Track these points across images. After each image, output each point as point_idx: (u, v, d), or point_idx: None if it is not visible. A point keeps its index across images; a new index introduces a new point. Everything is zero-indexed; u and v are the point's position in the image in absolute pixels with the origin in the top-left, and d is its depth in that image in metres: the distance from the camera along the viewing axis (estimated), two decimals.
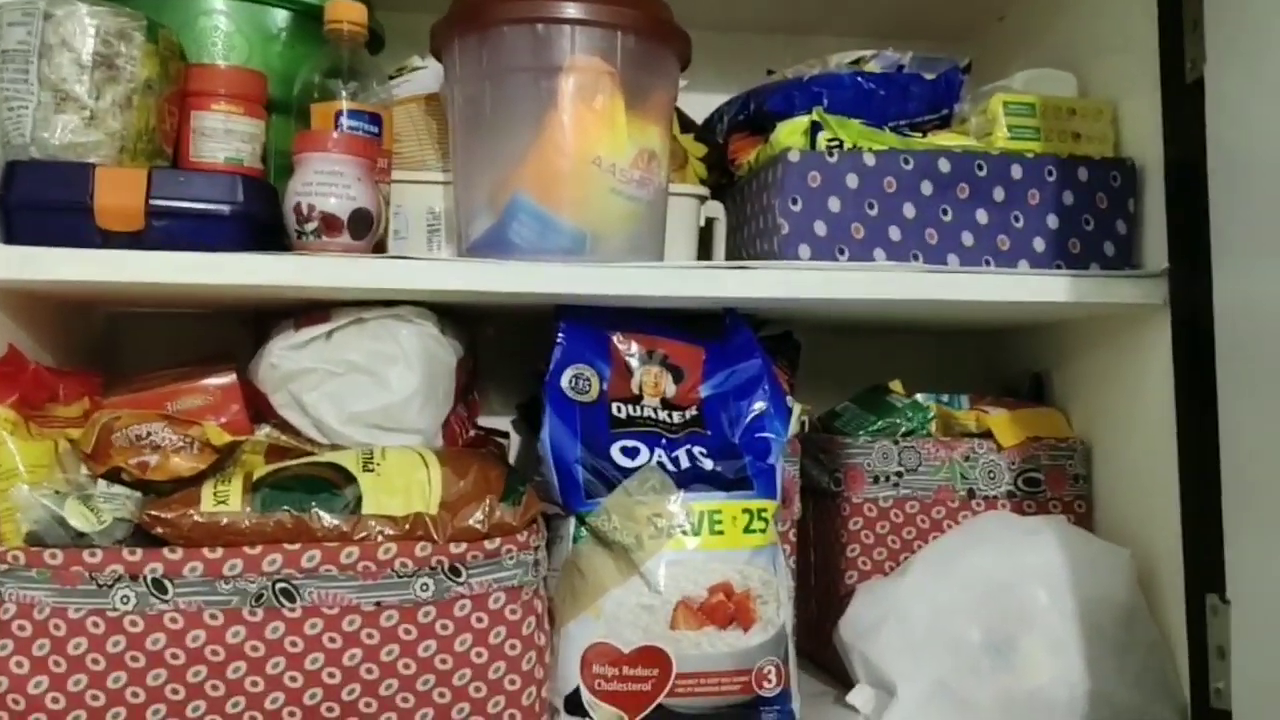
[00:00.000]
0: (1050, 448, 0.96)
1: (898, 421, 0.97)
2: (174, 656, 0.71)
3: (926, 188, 0.87)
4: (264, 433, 0.83)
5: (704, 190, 1.00)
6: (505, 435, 1.07)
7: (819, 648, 0.95)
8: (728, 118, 1.03)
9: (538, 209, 0.83)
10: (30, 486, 0.73)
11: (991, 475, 0.95)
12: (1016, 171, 0.88)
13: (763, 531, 0.82)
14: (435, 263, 0.80)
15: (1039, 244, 0.88)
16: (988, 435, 0.96)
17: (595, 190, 0.83)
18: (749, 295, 0.83)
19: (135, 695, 0.71)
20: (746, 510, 0.82)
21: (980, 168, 0.88)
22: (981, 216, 0.88)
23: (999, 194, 0.87)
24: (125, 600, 0.70)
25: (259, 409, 0.88)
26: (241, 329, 1.05)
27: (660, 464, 0.82)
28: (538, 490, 0.83)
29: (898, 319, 1.06)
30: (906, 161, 0.87)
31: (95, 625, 0.70)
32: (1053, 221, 0.88)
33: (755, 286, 0.83)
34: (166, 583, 0.70)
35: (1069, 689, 0.81)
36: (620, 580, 0.79)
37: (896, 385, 1.03)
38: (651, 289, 0.81)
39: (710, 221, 1.03)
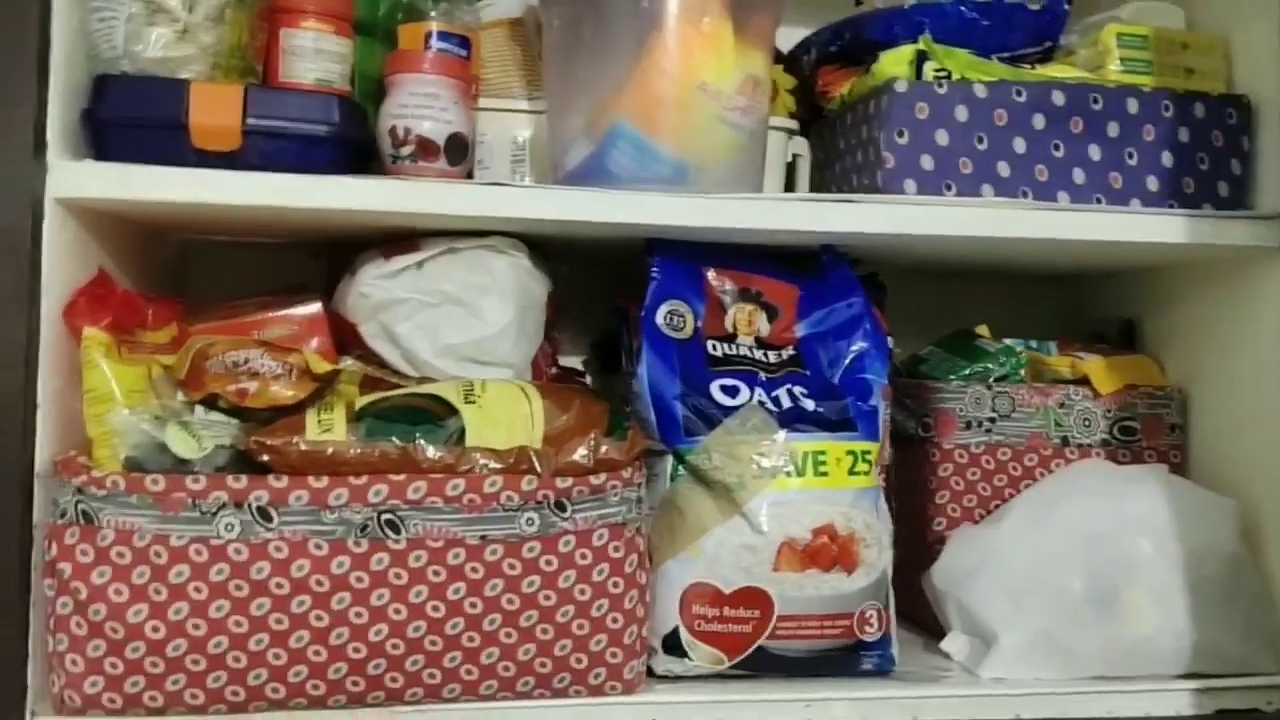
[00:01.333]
0: (1147, 396, 0.94)
1: (990, 366, 0.95)
2: (278, 586, 0.69)
3: (1039, 122, 0.84)
4: (353, 365, 0.81)
5: (792, 123, 0.97)
6: (582, 374, 1.05)
7: (903, 598, 0.94)
8: (816, 49, 1.00)
9: (638, 137, 0.80)
10: (129, 411, 0.72)
11: (1086, 423, 0.93)
12: (1132, 106, 0.85)
13: (866, 474, 0.80)
14: (535, 190, 0.78)
15: (1152, 182, 0.85)
16: (1082, 382, 0.94)
17: (700, 117, 0.80)
18: (855, 230, 0.80)
19: (238, 625, 0.69)
20: (851, 451, 0.80)
21: (1095, 101, 0.85)
22: (1094, 153, 0.85)
23: (1113, 129, 0.85)
24: (230, 528, 0.69)
25: (343, 340, 0.86)
26: (312, 261, 1.03)
27: (760, 403, 0.80)
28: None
29: (992, 262, 1.03)
30: (1019, 94, 0.84)
31: (198, 553, 0.69)
32: (1167, 159, 0.85)
33: (862, 221, 0.80)
34: (271, 511, 0.69)
35: (1174, 639, 0.80)
36: (721, 520, 0.78)
37: (984, 330, 1.01)
38: (754, 221, 0.79)
39: (795, 159, 1.01)
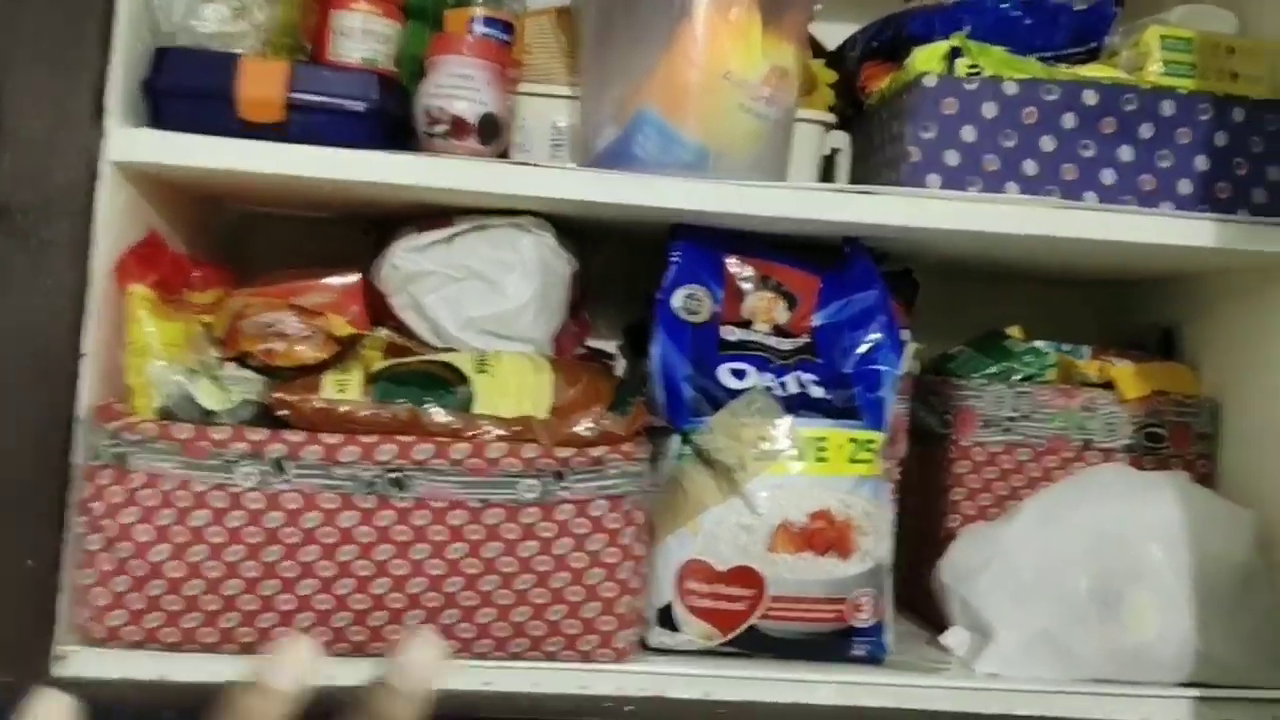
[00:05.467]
0: (1176, 403, 0.93)
1: (1014, 366, 0.94)
2: (290, 535, 0.73)
3: (1069, 120, 0.84)
4: (383, 334, 0.85)
5: (829, 116, 0.98)
6: (612, 357, 1.07)
7: (915, 593, 0.94)
8: (861, 44, 1.01)
9: (662, 122, 0.82)
10: (165, 363, 0.77)
11: (1111, 427, 0.92)
12: (1167, 108, 0.83)
13: (868, 462, 0.81)
14: (556, 170, 0.80)
15: (1184, 186, 0.84)
16: (1110, 387, 0.93)
17: (723, 105, 0.82)
18: (872, 221, 0.81)
19: (251, 570, 0.74)
20: (853, 439, 0.81)
21: (1129, 102, 0.83)
22: (1125, 154, 0.84)
23: (1146, 131, 0.83)
24: (248, 477, 0.73)
25: (379, 312, 0.90)
26: (364, 237, 1.07)
27: (767, 388, 0.82)
28: (646, 406, 0.84)
29: (1022, 263, 1.02)
30: (1049, 92, 0.83)
31: (219, 499, 0.73)
32: (1201, 163, 0.84)
33: (880, 212, 0.81)
34: (287, 463, 0.73)
35: (1176, 646, 0.79)
36: (721, 499, 0.79)
37: (1016, 331, 1.00)
38: (771, 209, 0.80)
39: (835, 154, 1.01)
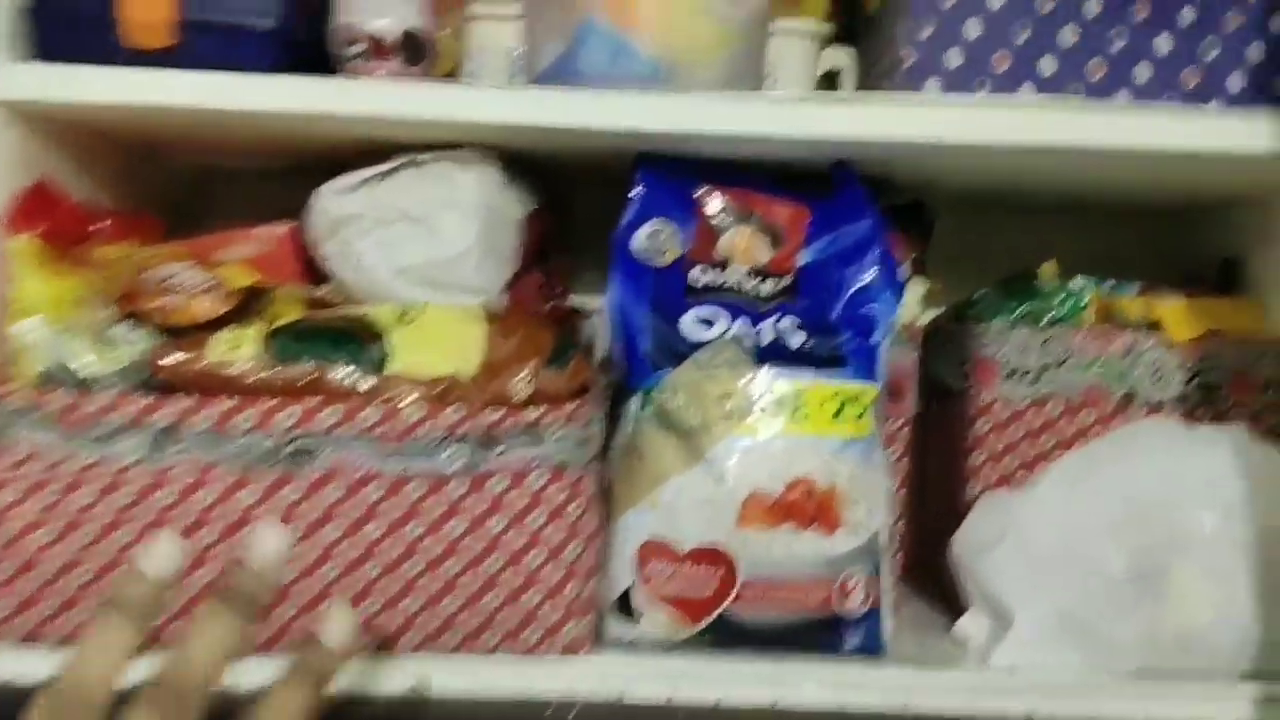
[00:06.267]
0: (1237, 345, 0.78)
1: (1043, 307, 0.81)
2: (182, 515, 0.64)
3: (1092, 6, 0.70)
4: (302, 289, 0.75)
5: (824, 27, 0.86)
6: (589, 315, 0.96)
7: (931, 573, 0.82)
8: None
9: (610, 32, 0.70)
10: (48, 323, 0.68)
11: (1157, 375, 0.78)
12: None
13: (858, 420, 0.69)
14: (488, 91, 0.69)
15: (1235, 80, 0.70)
16: (1157, 328, 0.79)
17: (678, 8, 0.70)
18: (858, 136, 0.69)
19: None
20: (838, 394, 0.69)
21: None
22: (1162, 44, 0.70)
23: (1187, 15, 0.69)
24: (133, 450, 0.64)
25: (316, 267, 0.80)
26: None
27: (742, 338, 0.70)
28: (603, 362, 0.73)
29: (1053, 191, 0.89)
30: None
31: (101, 476, 0.64)
32: (1255, 52, 0.70)
33: (867, 125, 0.68)
34: (174, 434, 0.64)
35: (1235, 631, 0.65)
36: (682, 467, 0.68)
37: (1049, 267, 0.86)
38: (738, 124, 0.68)
39: (835, 76, 0.89)
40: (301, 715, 0.44)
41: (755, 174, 0.77)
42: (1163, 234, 1.02)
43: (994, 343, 0.79)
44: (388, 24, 0.71)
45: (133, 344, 0.68)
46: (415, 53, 0.72)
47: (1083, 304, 0.80)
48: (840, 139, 0.69)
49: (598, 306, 0.99)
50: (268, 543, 0.45)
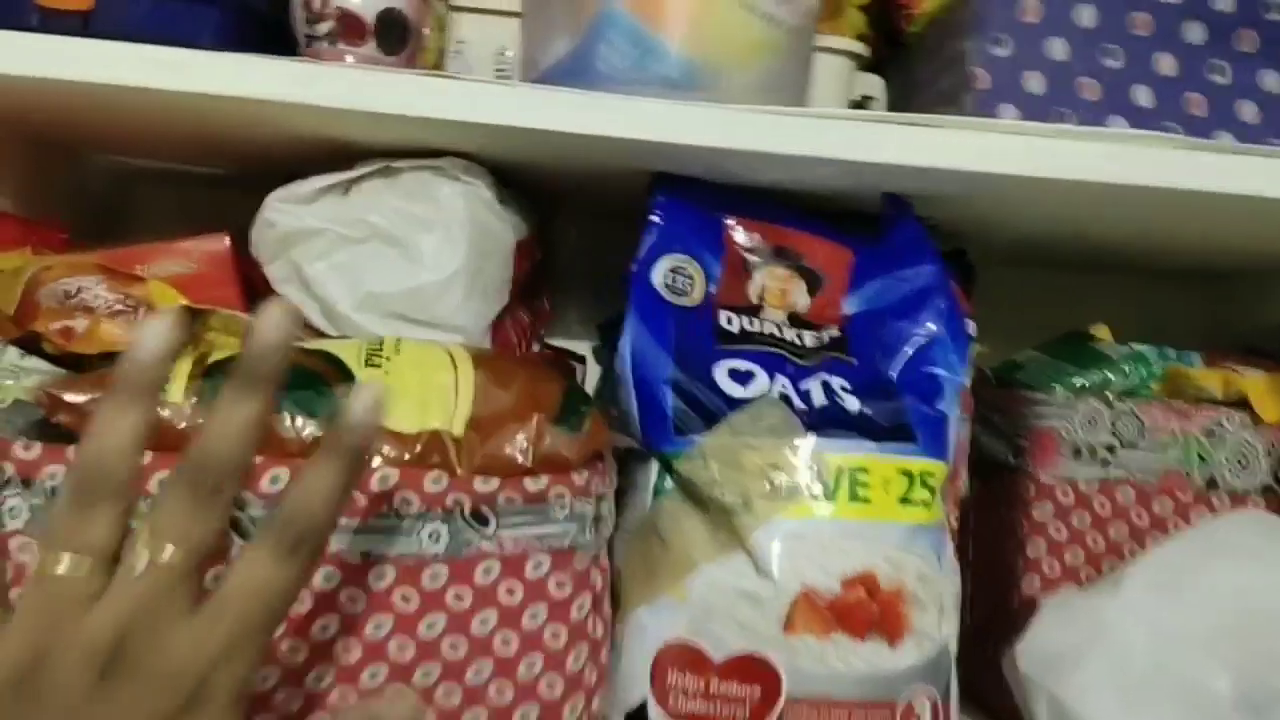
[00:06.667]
0: None
1: (1110, 376, 0.70)
2: None
3: (1194, 33, 0.61)
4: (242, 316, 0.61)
5: (860, 47, 0.75)
6: (582, 360, 0.83)
7: (976, 680, 0.70)
8: None
9: (634, 25, 0.59)
10: None
11: (1242, 460, 0.68)
12: None
13: (926, 505, 0.57)
14: (480, 85, 0.57)
15: None
16: (1239, 405, 0.69)
17: (719, 2, 0.59)
18: (927, 163, 0.57)
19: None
20: (905, 471, 0.57)
21: (1277, 9, 0.61)
22: (1272, 81, 0.61)
23: None
24: (14, 513, 0.49)
25: (261, 292, 0.66)
26: None
27: (783, 397, 0.58)
28: (611, 421, 0.60)
29: (1109, 244, 0.79)
30: None
31: None
32: None
33: (935, 151, 0.57)
34: None
35: None
36: (716, 554, 0.55)
37: (1102, 331, 0.77)
38: (787, 143, 0.57)
39: (866, 102, 0.79)
40: (335, 495, 0.40)
41: (784, 207, 0.66)
42: (1213, 298, 0.93)
43: (1057, 415, 0.68)
44: (362, 0, 0.59)
45: (21, 376, 0.53)
46: (394, 37, 0.60)
47: (1155, 374, 0.70)
48: (904, 166, 0.58)
49: (581, 351, 0.87)
50: (273, 314, 0.39)
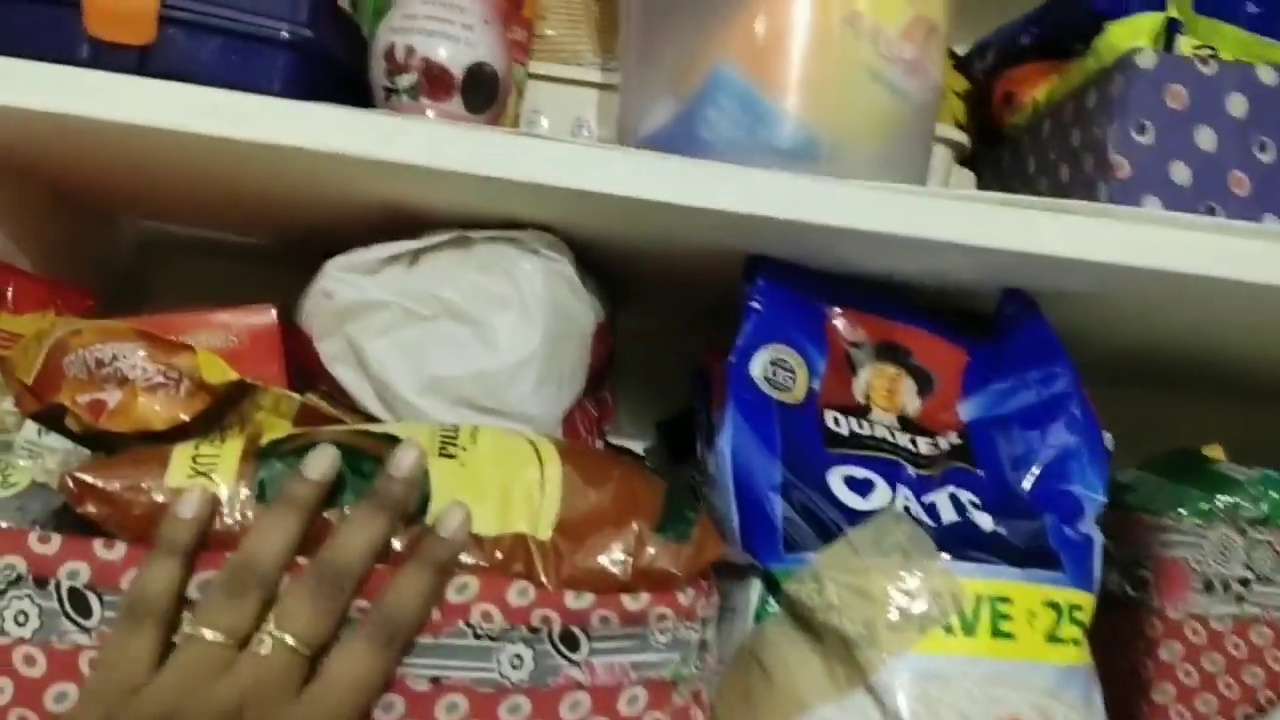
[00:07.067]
0: None
1: (1240, 501, 0.63)
2: None
3: None
4: (297, 396, 0.54)
5: (962, 136, 0.70)
6: (640, 460, 0.76)
7: None
8: (995, 50, 0.74)
9: (745, 88, 0.53)
10: None
11: None
12: None
13: (1076, 643, 0.49)
14: (589, 149, 0.51)
15: None
16: None
17: (844, 65, 0.53)
18: (1073, 254, 0.51)
19: None
20: (1051, 603, 0.49)
21: None
22: None
23: None
24: (21, 619, 0.41)
25: (309, 371, 0.59)
26: None
27: (906, 509, 0.51)
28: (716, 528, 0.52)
29: (1212, 355, 0.73)
30: None
31: None
32: None
33: (1086, 241, 0.51)
34: (91, 596, 0.41)
35: None
36: (833, 693, 0.47)
37: (1216, 451, 0.70)
38: (912, 224, 0.50)
39: None
40: (425, 599, 0.42)
41: (891, 299, 0.60)
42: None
43: (1185, 543, 0.61)
44: (453, 52, 0.53)
45: (40, 456, 0.46)
46: (482, 95, 0.54)
47: None
48: (1048, 256, 0.52)
49: (636, 450, 0.80)
50: (409, 455, 0.44)
